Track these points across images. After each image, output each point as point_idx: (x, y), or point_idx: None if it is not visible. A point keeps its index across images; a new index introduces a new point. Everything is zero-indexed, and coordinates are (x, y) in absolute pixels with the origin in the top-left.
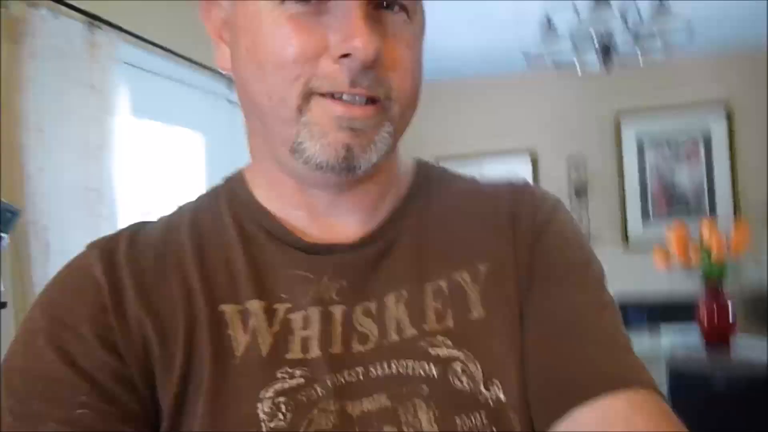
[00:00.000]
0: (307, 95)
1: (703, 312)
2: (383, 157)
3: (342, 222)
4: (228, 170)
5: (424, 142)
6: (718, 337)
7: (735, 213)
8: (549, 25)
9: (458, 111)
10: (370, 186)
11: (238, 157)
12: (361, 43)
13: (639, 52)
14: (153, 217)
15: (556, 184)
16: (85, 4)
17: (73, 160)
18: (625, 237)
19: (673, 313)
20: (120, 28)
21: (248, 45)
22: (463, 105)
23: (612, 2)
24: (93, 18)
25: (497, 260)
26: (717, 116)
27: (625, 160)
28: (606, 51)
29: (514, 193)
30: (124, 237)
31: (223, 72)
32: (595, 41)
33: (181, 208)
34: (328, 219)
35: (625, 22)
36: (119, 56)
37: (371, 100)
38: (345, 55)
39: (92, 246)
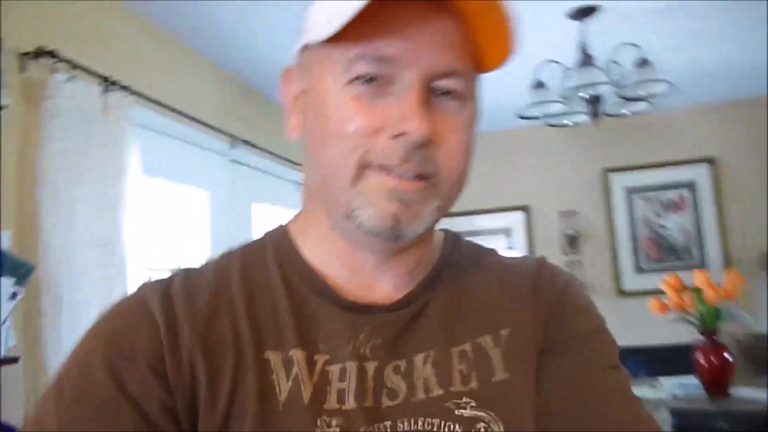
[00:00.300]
0: (363, 167)
1: (701, 360)
2: (428, 229)
3: (381, 283)
4: (230, 225)
5: None
6: (717, 384)
7: (724, 262)
8: (539, 84)
9: None
10: (411, 253)
11: (238, 212)
12: (415, 125)
13: (625, 110)
14: (199, 263)
15: (549, 238)
16: (101, 67)
17: (86, 217)
18: (619, 287)
19: (671, 362)
20: (133, 91)
21: (316, 117)
22: None
23: (599, 59)
24: (108, 81)
25: (518, 326)
26: (702, 168)
27: (615, 213)
28: (594, 108)
29: (535, 267)
30: (178, 278)
31: (291, 139)
32: (584, 99)
33: (228, 255)
34: (369, 280)
35: (611, 80)
36: (132, 117)
37: (421, 176)
38: (400, 134)
39: (147, 285)
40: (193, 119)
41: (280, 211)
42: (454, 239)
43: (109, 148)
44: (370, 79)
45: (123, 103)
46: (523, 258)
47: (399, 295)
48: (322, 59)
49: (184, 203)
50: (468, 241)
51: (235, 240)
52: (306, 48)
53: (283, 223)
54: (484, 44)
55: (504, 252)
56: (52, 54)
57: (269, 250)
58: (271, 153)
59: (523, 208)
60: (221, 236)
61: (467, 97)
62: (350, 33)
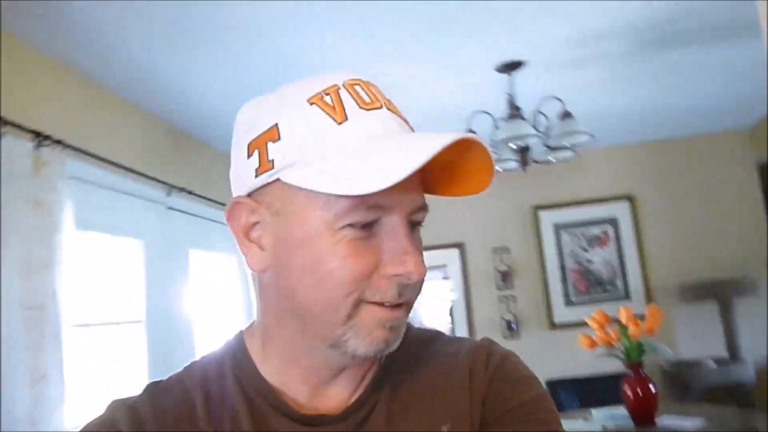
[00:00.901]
0: (358, 303)
1: (628, 392)
2: None
3: (335, 392)
4: (166, 272)
5: None
6: (644, 415)
7: (646, 293)
8: (470, 133)
9: None
10: (366, 361)
11: (174, 260)
12: (414, 267)
13: (550, 155)
14: (164, 378)
15: (484, 273)
16: (33, 122)
17: (15, 279)
18: (551, 320)
19: (602, 392)
20: (66, 144)
21: (305, 261)
22: None
23: (526, 110)
24: (40, 136)
25: (457, 420)
26: (623, 205)
27: (545, 248)
28: (523, 156)
29: (471, 352)
30: (146, 398)
31: (253, 271)
32: (512, 147)
33: (190, 368)
34: (324, 390)
35: (537, 131)
36: (64, 172)
37: (405, 302)
38: (397, 275)
39: (116, 405)
40: (128, 169)
41: (216, 257)
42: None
43: (41, 206)
44: (363, 225)
45: (55, 158)
46: (464, 342)
47: (351, 400)
48: (308, 202)
49: (119, 255)
50: (415, 330)
51: (172, 287)
52: (274, 184)
53: (239, 333)
54: (464, 178)
55: (448, 334)
56: None
57: (227, 364)
58: (206, 198)
59: (458, 245)
60: (157, 285)
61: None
62: None
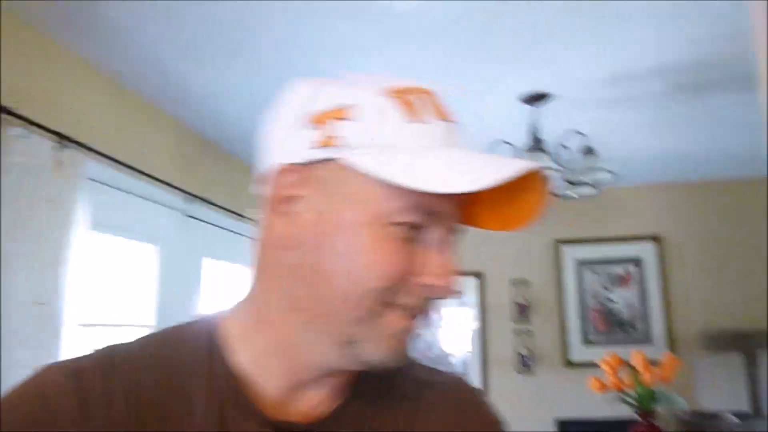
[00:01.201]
0: (386, 305)
1: None
2: None
3: (310, 396)
4: (179, 279)
5: None
6: None
7: (668, 338)
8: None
9: None
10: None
11: (188, 267)
12: (451, 283)
13: (572, 191)
14: (125, 342)
15: (500, 305)
16: (55, 123)
17: (26, 274)
18: (567, 358)
19: None
20: (87, 147)
21: (346, 247)
22: None
23: (549, 142)
24: (62, 137)
25: None
26: (648, 245)
27: (565, 283)
28: None
29: (453, 386)
30: (99, 365)
31: (275, 245)
32: None
33: (148, 343)
34: (301, 391)
35: (559, 164)
36: (83, 174)
37: None
38: (431, 284)
39: (53, 369)
40: (149, 175)
41: (230, 267)
42: None
43: (56, 204)
44: (412, 227)
45: (75, 160)
46: (442, 374)
47: (319, 410)
48: (366, 189)
49: (132, 259)
50: None
51: (184, 294)
52: (331, 162)
53: (217, 314)
54: (508, 214)
55: (424, 363)
56: (5, 110)
57: (189, 348)
58: (225, 208)
59: (477, 275)
60: (169, 291)
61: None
62: None
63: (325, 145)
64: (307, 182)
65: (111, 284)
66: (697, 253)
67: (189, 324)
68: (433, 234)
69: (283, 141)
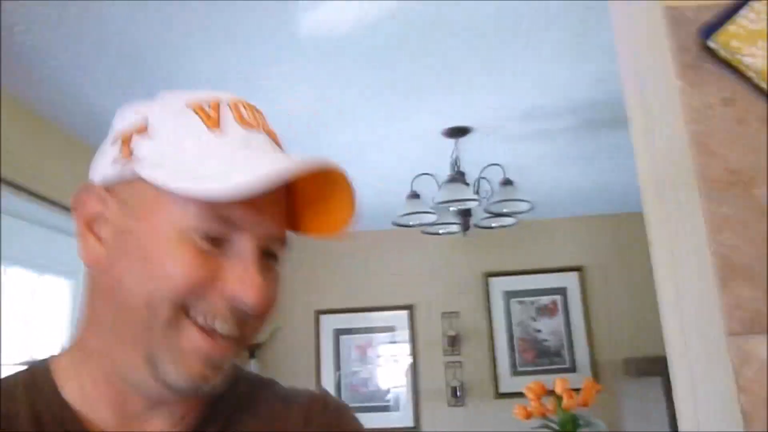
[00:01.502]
0: (181, 316)
1: None
2: None
3: (151, 428)
4: None
5: (305, 296)
6: None
7: (592, 366)
8: (415, 195)
9: (337, 267)
10: (189, 397)
11: None
12: (254, 291)
13: (494, 223)
14: None
15: (432, 338)
16: None
17: None
18: (496, 389)
19: None
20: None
21: (143, 254)
22: (340, 262)
23: (470, 175)
24: None
25: None
26: (572, 276)
27: (494, 315)
28: (465, 220)
29: (308, 400)
30: None
31: (85, 264)
32: (452, 209)
33: None
34: (137, 424)
35: (480, 196)
36: None
37: (234, 338)
38: (233, 297)
39: None
40: (61, 205)
41: None
42: (233, 372)
43: None
44: (212, 238)
45: None
46: (300, 391)
47: None
48: (160, 200)
49: (45, 294)
50: (247, 374)
51: None
52: (130, 177)
53: (45, 358)
54: (328, 216)
55: (282, 384)
56: None
57: (21, 387)
58: None
59: (408, 307)
60: None
61: (280, 258)
62: None
63: (122, 160)
64: (106, 200)
65: (20, 320)
66: (617, 282)
67: (17, 372)
68: (240, 243)
69: (96, 161)
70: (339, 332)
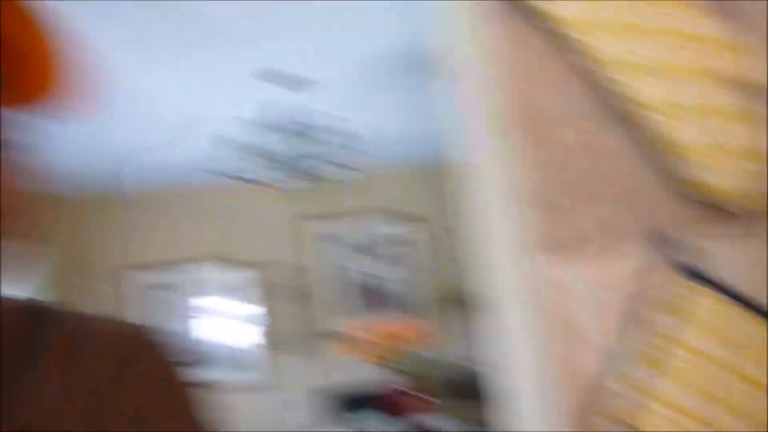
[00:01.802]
0: None
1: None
2: None
3: None
4: None
5: (107, 251)
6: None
7: (423, 303)
8: (225, 142)
9: (141, 221)
10: None
11: None
12: None
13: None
14: None
15: (245, 289)
16: None
17: None
18: (322, 331)
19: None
20: None
21: None
22: (143, 216)
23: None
24: None
25: None
26: (403, 222)
27: (310, 260)
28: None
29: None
30: None
31: None
32: (267, 159)
33: None
34: None
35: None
36: None
37: None
38: None
39: None
40: None
41: None
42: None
43: None
44: None
45: None
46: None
47: None
48: None
49: None
50: (51, 309)
51: None
52: None
53: None
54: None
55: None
56: None
57: None
58: None
59: (220, 259)
60: None
61: None
62: None
63: None
64: None
65: None
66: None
67: None
68: None
69: None
70: (147, 288)
